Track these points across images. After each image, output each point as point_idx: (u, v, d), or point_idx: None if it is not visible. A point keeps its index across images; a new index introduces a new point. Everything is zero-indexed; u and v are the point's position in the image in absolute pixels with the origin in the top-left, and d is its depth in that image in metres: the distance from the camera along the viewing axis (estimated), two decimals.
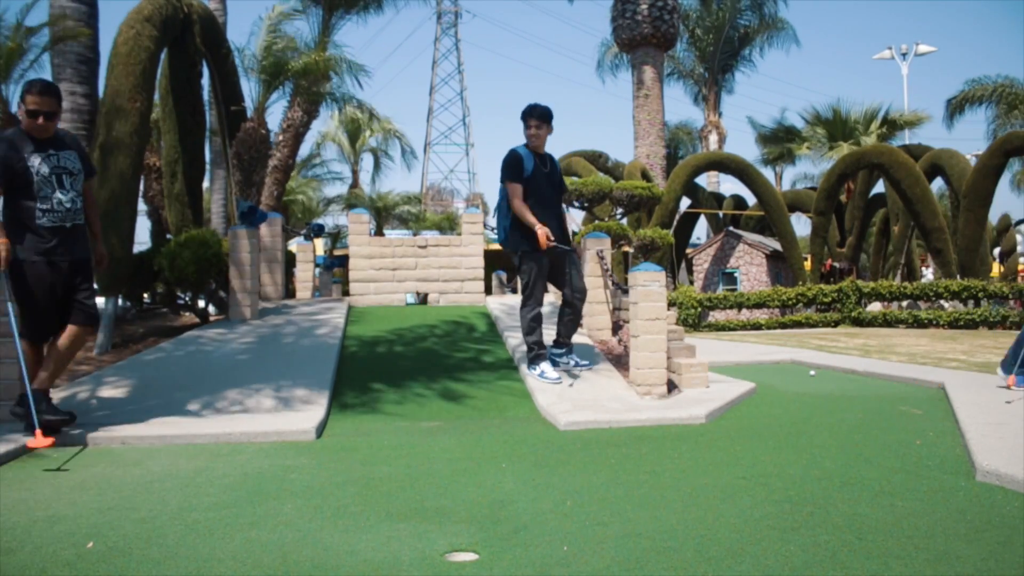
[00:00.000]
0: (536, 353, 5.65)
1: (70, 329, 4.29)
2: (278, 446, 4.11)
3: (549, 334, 5.93)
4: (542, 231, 5.32)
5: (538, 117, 5.50)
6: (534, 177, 5.51)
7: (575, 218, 16.00)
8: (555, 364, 5.73)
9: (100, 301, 9.13)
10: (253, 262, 7.61)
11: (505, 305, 8.61)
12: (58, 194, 4.20)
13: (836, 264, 21.12)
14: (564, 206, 5.93)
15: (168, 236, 9.99)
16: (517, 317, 7.77)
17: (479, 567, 2.35)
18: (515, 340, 6.70)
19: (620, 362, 6.02)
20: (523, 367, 5.84)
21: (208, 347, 6.45)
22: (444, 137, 58.83)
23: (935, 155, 19.84)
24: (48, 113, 4.16)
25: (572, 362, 5.73)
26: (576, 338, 6.80)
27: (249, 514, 2.87)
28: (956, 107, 22.29)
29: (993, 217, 28.22)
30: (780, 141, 28.63)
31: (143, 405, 4.86)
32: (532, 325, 5.63)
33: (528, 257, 5.50)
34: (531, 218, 5.38)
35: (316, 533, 2.65)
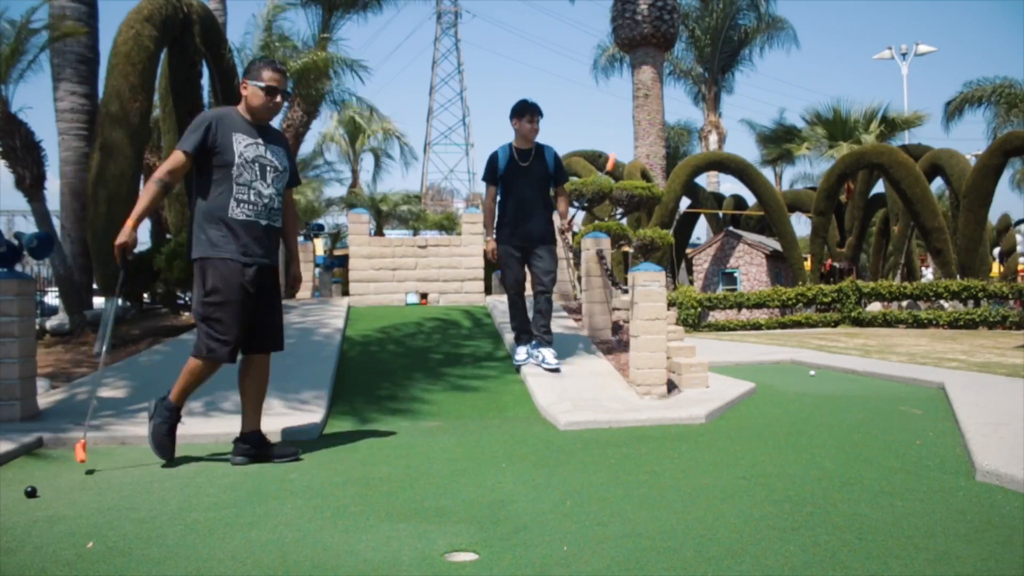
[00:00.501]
0: (515, 336, 6.02)
1: (261, 360, 3.81)
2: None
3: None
4: (489, 246, 5.85)
5: (537, 112, 5.67)
6: (509, 173, 5.72)
7: (576, 220, 15.98)
8: (528, 354, 5.91)
9: (99, 301, 9.15)
10: None
11: (505, 305, 8.61)
12: (258, 184, 3.66)
13: (836, 264, 21.11)
14: (564, 200, 6.10)
15: (168, 236, 9.98)
16: None
17: (479, 567, 2.35)
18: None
19: (620, 362, 6.01)
20: (523, 367, 5.84)
21: None
22: (444, 137, 58.91)
23: (935, 155, 19.84)
24: (284, 92, 3.82)
25: (540, 357, 5.77)
26: (576, 334, 6.81)
27: (249, 514, 2.87)
28: (955, 109, 22.27)
29: (993, 217, 28.23)
30: (780, 141, 28.61)
31: (143, 405, 4.85)
32: (511, 312, 5.96)
33: (500, 247, 5.83)
34: (489, 227, 5.89)
35: (316, 533, 2.65)
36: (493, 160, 5.76)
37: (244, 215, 3.65)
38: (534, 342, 5.87)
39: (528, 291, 5.91)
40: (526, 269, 5.82)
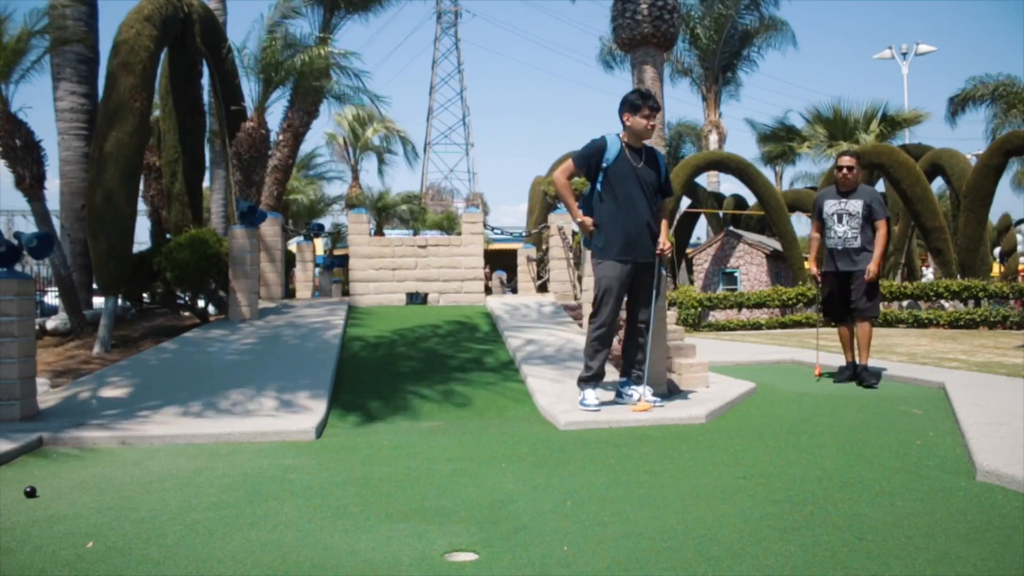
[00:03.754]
0: (583, 376, 4.84)
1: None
2: (278, 446, 4.11)
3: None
4: (583, 220, 4.79)
5: (655, 106, 4.68)
6: (617, 170, 4.70)
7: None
8: (619, 395, 4.98)
9: (99, 301, 9.17)
10: (253, 262, 7.61)
11: (506, 305, 8.61)
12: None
13: None
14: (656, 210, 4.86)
15: (168, 236, 9.98)
16: (517, 317, 7.77)
17: (479, 567, 2.35)
18: (515, 341, 6.70)
19: (620, 362, 6.00)
20: (523, 368, 5.84)
21: (208, 347, 6.45)
22: (444, 137, 58.90)
23: (935, 155, 19.83)
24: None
25: (636, 396, 4.83)
26: (576, 334, 6.80)
27: (249, 514, 2.87)
28: (958, 105, 22.26)
29: (993, 217, 28.22)
30: (780, 140, 28.58)
31: (143, 405, 4.86)
32: (594, 346, 4.78)
33: (599, 260, 4.77)
34: (572, 204, 4.80)
35: (316, 533, 2.65)
36: (600, 147, 4.70)
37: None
38: (625, 380, 4.98)
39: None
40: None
